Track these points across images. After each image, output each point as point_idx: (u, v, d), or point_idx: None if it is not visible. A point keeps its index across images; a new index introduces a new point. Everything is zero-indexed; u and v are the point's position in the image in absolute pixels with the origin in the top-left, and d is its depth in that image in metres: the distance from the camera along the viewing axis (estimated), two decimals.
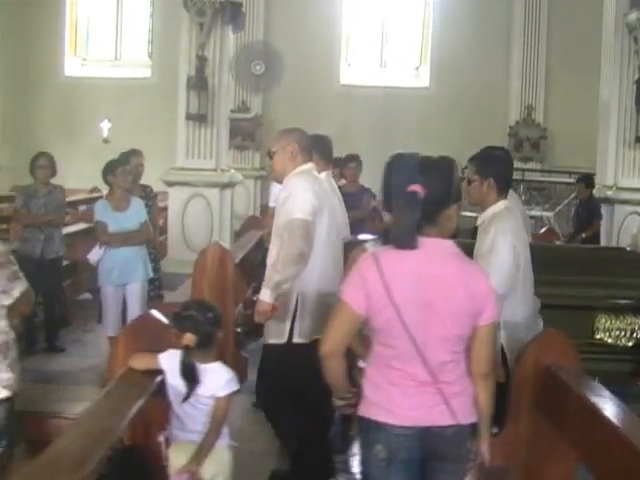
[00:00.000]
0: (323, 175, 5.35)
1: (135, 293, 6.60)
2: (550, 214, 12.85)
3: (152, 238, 6.96)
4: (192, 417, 3.30)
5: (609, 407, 3.20)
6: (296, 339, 4.26)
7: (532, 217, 13.07)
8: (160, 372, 3.37)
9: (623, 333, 6.02)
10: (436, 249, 2.78)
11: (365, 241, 3.43)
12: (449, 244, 2.86)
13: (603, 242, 9.99)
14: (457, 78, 14.61)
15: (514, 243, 3.81)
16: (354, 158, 8.39)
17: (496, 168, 4.05)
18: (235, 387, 3.34)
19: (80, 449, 2.51)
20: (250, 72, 13.50)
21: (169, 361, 3.33)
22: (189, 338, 3.28)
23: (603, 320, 6.03)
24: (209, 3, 9.62)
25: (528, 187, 13.92)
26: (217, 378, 3.31)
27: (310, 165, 4.50)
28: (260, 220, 9.69)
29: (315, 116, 13.10)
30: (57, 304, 7.54)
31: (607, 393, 3.37)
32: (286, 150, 4.41)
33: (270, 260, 4.33)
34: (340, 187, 8.20)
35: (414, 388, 2.76)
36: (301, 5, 14.34)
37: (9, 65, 15.13)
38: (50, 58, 15.26)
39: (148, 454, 3.39)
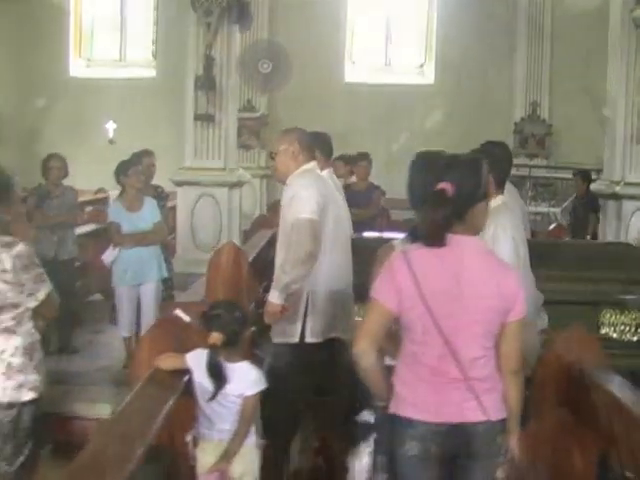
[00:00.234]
0: (325, 173, 5.36)
1: (149, 293, 6.62)
2: (557, 210, 12.86)
3: (165, 238, 6.98)
4: (220, 416, 3.31)
5: (635, 403, 3.22)
6: (309, 339, 4.26)
7: (538, 213, 13.10)
8: (187, 372, 3.38)
9: (628, 328, 6.05)
10: (465, 246, 2.80)
11: (393, 239, 3.42)
12: (478, 241, 2.88)
13: (610, 238, 9.99)
14: (462, 75, 14.60)
15: (513, 235, 3.81)
16: (365, 156, 8.43)
17: (494, 164, 4.04)
18: (263, 386, 3.35)
19: (117, 451, 2.52)
20: (257, 71, 13.49)
21: (196, 360, 3.34)
22: (216, 337, 3.30)
23: (608, 315, 6.06)
24: (216, 3, 9.60)
25: (535, 183, 13.92)
26: (245, 377, 3.33)
27: (313, 164, 4.50)
28: (269, 219, 9.70)
29: (320, 114, 13.10)
30: (71, 305, 7.55)
31: (632, 389, 3.39)
32: (287, 150, 4.42)
33: (278, 261, 4.34)
34: (350, 185, 8.25)
35: (445, 384, 2.78)
36: (305, 4, 14.33)
37: (14, 66, 15.13)
38: (55, 59, 15.26)
39: (175, 454, 3.40)
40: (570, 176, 13.59)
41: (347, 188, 7.89)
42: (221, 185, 10.05)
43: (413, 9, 15.45)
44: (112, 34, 15.76)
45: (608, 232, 10.18)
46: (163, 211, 6.99)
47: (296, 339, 4.29)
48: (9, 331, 3.57)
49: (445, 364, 2.76)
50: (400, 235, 3.17)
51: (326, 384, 4.51)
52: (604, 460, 3.50)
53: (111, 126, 14.80)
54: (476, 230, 2.88)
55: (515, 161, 13.63)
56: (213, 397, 3.28)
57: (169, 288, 7.28)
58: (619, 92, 10.01)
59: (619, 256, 6.47)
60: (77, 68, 15.74)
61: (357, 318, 7.31)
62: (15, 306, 3.57)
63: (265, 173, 14.36)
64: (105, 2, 15.77)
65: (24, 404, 3.61)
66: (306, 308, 4.26)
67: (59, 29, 15.31)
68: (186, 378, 3.39)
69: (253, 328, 6.66)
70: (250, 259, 6.93)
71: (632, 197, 9.95)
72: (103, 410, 5.95)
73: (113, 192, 11.69)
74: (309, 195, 4.20)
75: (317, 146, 5.12)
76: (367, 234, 7.28)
